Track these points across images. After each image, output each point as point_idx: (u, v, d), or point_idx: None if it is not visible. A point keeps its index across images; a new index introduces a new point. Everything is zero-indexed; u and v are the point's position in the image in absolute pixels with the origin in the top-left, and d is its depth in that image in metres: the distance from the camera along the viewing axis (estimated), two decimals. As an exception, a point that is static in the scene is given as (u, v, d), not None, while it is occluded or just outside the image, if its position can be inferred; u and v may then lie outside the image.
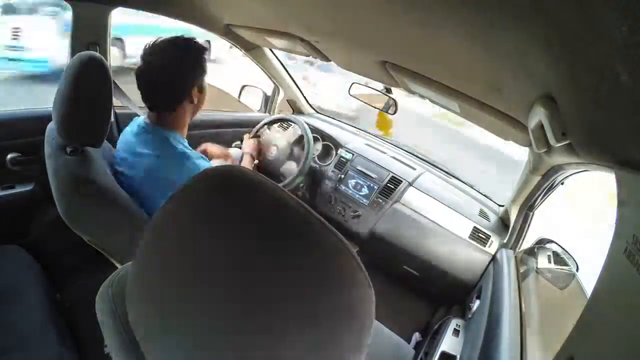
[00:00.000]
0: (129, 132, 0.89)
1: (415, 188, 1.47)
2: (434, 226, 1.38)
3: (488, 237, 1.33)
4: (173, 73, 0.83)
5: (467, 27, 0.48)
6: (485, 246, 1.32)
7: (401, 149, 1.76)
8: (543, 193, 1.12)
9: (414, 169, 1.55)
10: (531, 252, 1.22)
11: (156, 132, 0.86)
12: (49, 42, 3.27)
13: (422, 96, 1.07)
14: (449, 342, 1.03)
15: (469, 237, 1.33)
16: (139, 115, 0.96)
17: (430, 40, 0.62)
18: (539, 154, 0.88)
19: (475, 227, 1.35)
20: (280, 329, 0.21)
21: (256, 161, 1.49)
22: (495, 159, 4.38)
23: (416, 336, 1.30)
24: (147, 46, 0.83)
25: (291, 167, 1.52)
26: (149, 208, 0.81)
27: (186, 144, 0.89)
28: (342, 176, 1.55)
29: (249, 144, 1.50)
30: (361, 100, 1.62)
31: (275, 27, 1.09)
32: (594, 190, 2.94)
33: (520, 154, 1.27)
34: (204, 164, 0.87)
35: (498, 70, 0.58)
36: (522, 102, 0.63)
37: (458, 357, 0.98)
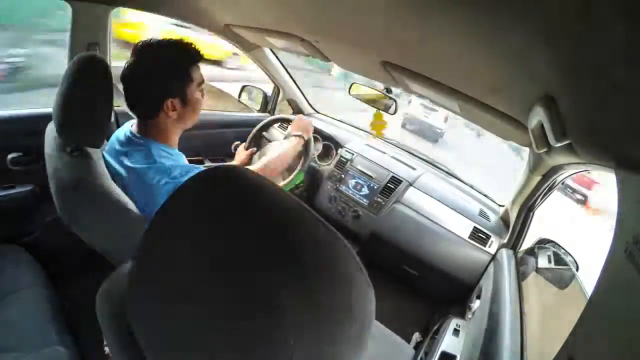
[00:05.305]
0: (115, 139, 0.85)
1: (416, 188, 1.47)
2: (434, 226, 1.37)
3: (488, 237, 1.33)
4: (148, 78, 0.78)
5: (468, 28, 0.48)
6: (485, 246, 1.32)
7: (401, 149, 1.76)
8: (543, 193, 1.12)
9: (414, 169, 1.55)
10: (531, 252, 1.22)
11: (139, 143, 0.81)
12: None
13: (421, 96, 1.07)
14: (449, 342, 1.03)
15: (469, 237, 1.33)
16: None
17: (431, 41, 0.62)
18: (539, 154, 0.88)
19: (475, 227, 1.35)
20: (280, 329, 0.21)
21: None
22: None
23: (416, 336, 1.30)
24: (138, 45, 0.78)
25: (291, 167, 1.52)
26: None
27: (173, 155, 0.84)
28: (342, 176, 1.55)
29: (240, 157, 1.41)
30: (361, 100, 1.62)
31: (275, 27, 1.09)
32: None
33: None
34: (184, 179, 0.78)
35: (498, 70, 0.58)
36: (522, 102, 0.63)
37: (458, 357, 0.98)
